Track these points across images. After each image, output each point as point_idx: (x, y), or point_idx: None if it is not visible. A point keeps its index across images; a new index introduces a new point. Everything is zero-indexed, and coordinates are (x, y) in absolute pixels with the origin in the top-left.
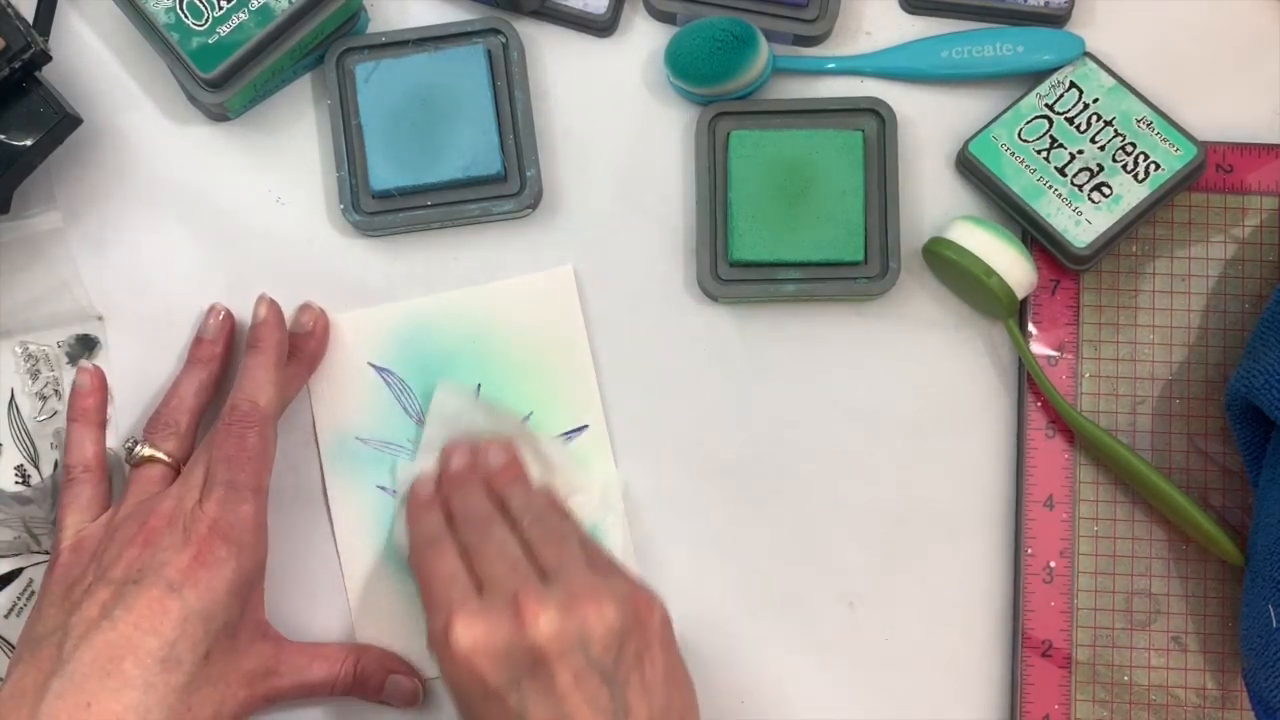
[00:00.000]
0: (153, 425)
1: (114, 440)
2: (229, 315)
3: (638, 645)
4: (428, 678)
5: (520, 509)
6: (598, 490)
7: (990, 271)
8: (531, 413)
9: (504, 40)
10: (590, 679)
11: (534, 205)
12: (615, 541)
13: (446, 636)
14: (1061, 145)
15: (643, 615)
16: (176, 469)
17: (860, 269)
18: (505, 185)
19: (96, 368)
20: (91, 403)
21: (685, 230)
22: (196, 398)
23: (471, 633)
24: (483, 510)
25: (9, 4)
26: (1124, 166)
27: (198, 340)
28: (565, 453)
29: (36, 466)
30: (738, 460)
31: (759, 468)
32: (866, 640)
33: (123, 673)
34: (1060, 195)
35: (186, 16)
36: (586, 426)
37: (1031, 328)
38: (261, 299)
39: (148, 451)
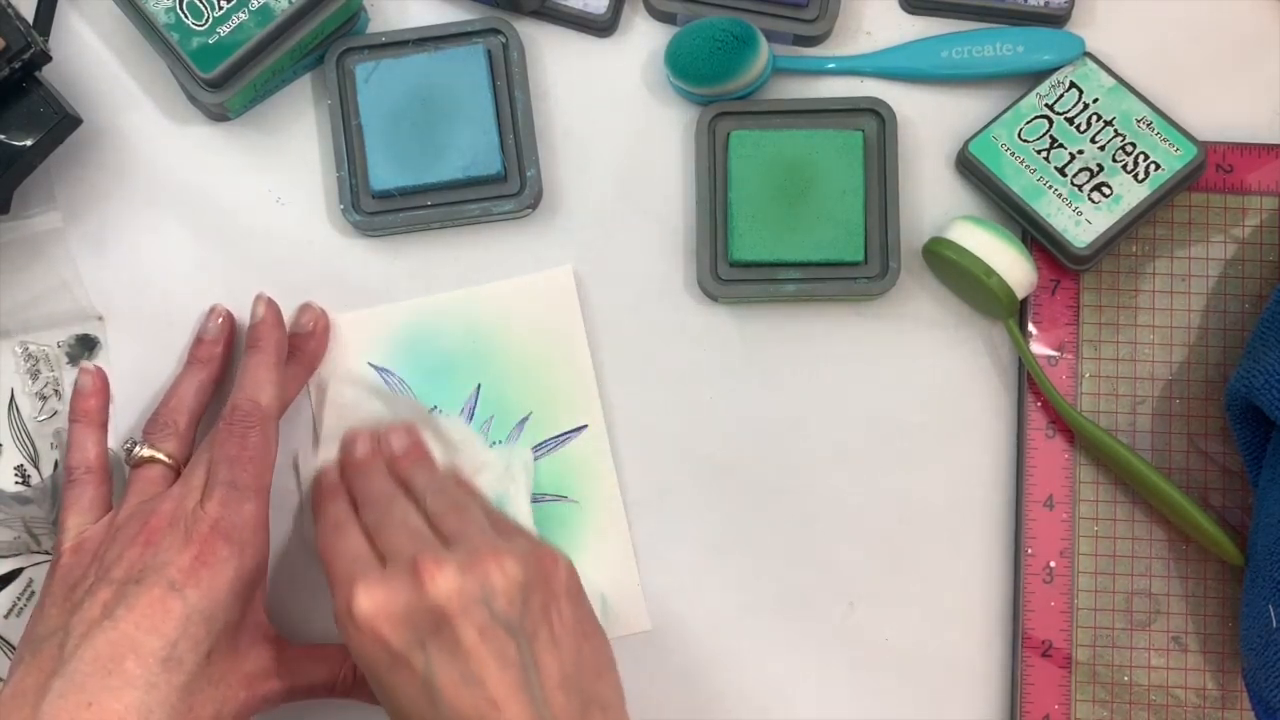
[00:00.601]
0: (151, 426)
1: (114, 441)
2: (230, 316)
3: (543, 598)
4: None
5: (423, 486)
6: (501, 465)
7: (990, 271)
8: (436, 407)
9: (504, 40)
10: (495, 633)
11: (534, 205)
12: (520, 512)
13: (349, 607)
14: (1061, 145)
15: (547, 569)
16: (176, 469)
17: (860, 269)
18: (505, 185)
19: (99, 369)
20: (94, 404)
21: (685, 230)
22: (196, 398)
23: (372, 599)
24: (385, 490)
25: (9, 4)
26: (1124, 166)
27: (198, 341)
28: (467, 432)
29: (36, 466)
30: (738, 460)
31: (759, 468)
32: (866, 640)
33: (124, 672)
34: (1060, 195)
35: (186, 16)
36: (586, 426)
37: (1031, 328)
38: (259, 298)
39: (147, 452)
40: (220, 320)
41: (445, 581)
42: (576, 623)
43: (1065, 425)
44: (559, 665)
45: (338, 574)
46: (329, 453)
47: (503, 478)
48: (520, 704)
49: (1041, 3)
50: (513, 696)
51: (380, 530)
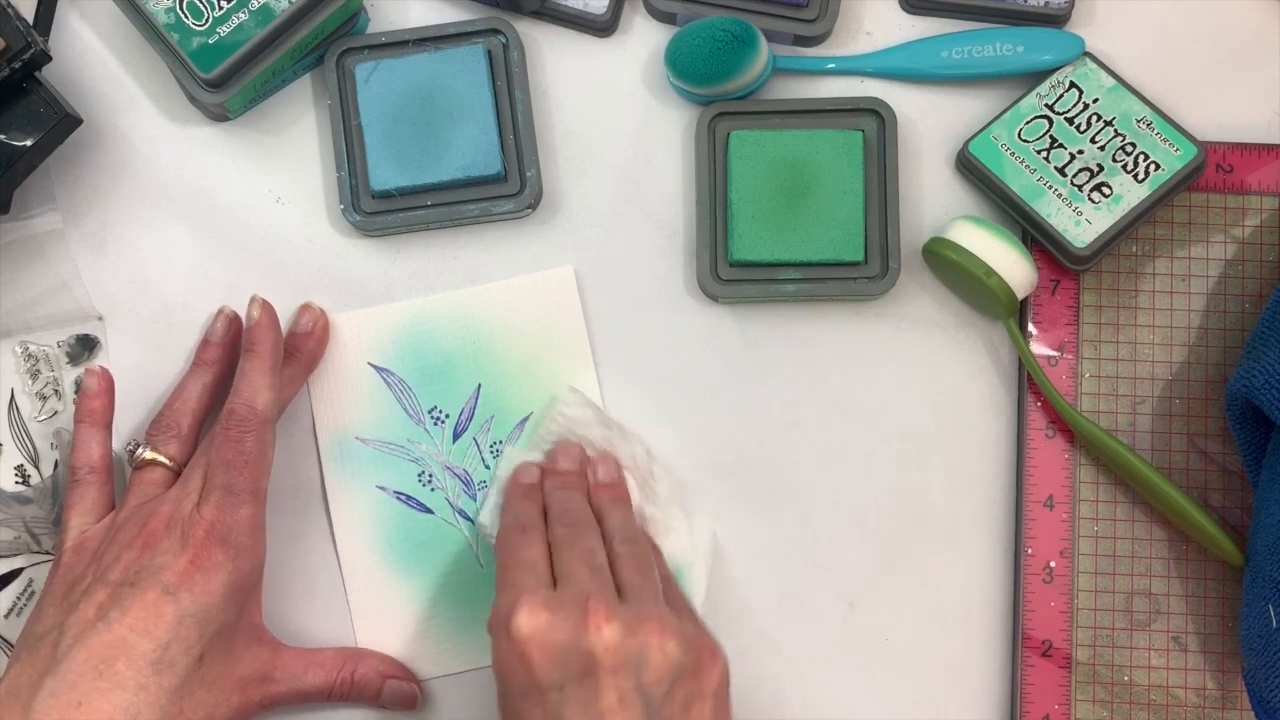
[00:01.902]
0: (155, 428)
1: (114, 441)
2: (236, 318)
3: (689, 690)
4: (425, 680)
5: (614, 527)
6: (690, 536)
7: (990, 271)
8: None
9: (504, 40)
10: (634, 704)
11: (534, 205)
12: (695, 592)
13: (509, 619)
14: (1061, 145)
15: (703, 663)
16: (177, 472)
17: (860, 269)
18: (505, 185)
19: (104, 370)
20: (99, 404)
21: (685, 230)
22: (200, 401)
23: (534, 620)
24: (580, 514)
25: (9, 4)
26: (1124, 166)
27: (204, 343)
28: (673, 490)
29: (36, 466)
30: (738, 460)
31: (759, 468)
32: (866, 640)
33: (115, 674)
34: (1060, 195)
35: (186, 17)
36: None
37: (1031, 328)
38: (254, 300)
39: (149, 454)
40: (227, 321)
41: (609, 634)
42: None
43: (1065, 425)
44: None
45: (508, 578)
46: (533, 456)
47: (687, 551)
48: None
49: (1041, 3)
50: None
51: (563, 550)
